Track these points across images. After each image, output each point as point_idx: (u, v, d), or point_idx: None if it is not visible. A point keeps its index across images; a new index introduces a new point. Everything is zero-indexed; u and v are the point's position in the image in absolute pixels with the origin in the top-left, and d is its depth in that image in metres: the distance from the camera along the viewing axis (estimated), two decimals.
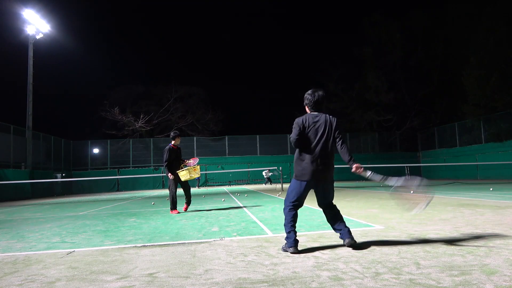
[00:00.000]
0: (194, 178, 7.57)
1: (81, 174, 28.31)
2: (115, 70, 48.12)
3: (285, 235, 3.31)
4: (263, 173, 25.00)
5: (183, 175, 7.25)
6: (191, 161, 7.62)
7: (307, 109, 3.49)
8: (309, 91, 3.46)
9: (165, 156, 7.22)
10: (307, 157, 3.25)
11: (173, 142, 7.40)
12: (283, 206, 3.43)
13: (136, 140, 30.67)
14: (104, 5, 55.73)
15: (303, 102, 3.49)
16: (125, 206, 10.17)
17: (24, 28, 22.39)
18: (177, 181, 7.34)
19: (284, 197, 3.56)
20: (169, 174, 7.21)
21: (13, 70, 33.55)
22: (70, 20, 49.18)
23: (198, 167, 7.50)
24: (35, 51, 22.98)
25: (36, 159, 22.94)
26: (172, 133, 7.52)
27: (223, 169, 27.23)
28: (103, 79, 46.27)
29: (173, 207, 7.28)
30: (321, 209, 3.51)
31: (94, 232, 5.17)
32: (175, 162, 7.38)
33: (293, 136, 3.30)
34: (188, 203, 7.58)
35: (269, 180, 25.00)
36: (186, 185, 7.52)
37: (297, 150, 3.35)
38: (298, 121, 3.32)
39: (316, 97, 3.38)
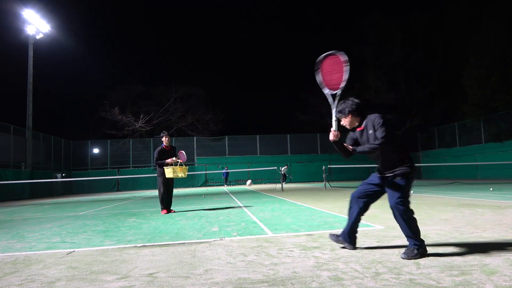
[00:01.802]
0: (180, 177, 7.54)
1: (81, 174, 28.30)
2: (115, 70, 48.12)
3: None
4: (282, 169, 24.89)
5: (168, 172, 7.22)
6: (180, 156, 7.63)
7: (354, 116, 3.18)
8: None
9: (155, 156, 7.37)
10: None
11: (163, 142, 7.45)
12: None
13: (136, 140, 30.66)
14: (104, 5, 55.76)
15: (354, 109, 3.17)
16: (125, 206, 10.17)
17: (24, 28, 22.38)
18: (165, 182, 7.36)
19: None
20: (165, 160, 7.20)
21: (13, 70, 33.57)
22: (70, 20, 49.21)
23: (186, 168, 7.47)
24: (35, 51, 22.97)
25: (36, 159, 22.93)
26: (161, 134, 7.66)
27: (223, 169, 27.21)
28: (103, 79, 46.27)
29: (163, 207, 7.36)
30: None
31: (94, 232, 5.17)
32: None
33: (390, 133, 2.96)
34: (169, 204, 7.53)
35: (285, 176, 24.98)
36: (170, 187, 7.51)
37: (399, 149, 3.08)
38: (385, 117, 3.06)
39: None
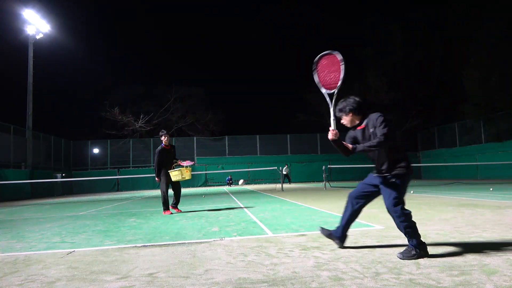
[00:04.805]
0: (186, 179, 7.41)
1: (81, 174, 28.28)
2: (115, 70, 48.14)
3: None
4: (284, 169, 23.18)
5: (175, 175, 7.11)
6: (185, 162, 7.51)
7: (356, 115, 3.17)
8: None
9: (156, 158, 7.21)
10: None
11: (162, 141, 7.33)
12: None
13: (136, 140, 30.66)
14: (104, 5, 55.76)
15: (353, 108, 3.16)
16: (125, 206, 10.17)
17: (24, 28, 22.38)
18: (169, 181, 7.22)
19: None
20: (156, 178, 7.21)
21: (13, 70, 33.57)
22: (70, 20, 49.28)
23: (190, 169, 7.36)
24: (35, 51, 22.96)
25: (36, 159, 22.91)
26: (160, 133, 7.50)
27: (223, 169, 27.20)
28: (103, 79, 46.30)
29: (165, 207, 7.20)
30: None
31: (94, 232, 5.17)
32: (167, 161, 7.27)
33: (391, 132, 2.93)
34: (176, 204, 7.47)
35: (287, 177, 24.11)
36: (177, 186, 7.42)
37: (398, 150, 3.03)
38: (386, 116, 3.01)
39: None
